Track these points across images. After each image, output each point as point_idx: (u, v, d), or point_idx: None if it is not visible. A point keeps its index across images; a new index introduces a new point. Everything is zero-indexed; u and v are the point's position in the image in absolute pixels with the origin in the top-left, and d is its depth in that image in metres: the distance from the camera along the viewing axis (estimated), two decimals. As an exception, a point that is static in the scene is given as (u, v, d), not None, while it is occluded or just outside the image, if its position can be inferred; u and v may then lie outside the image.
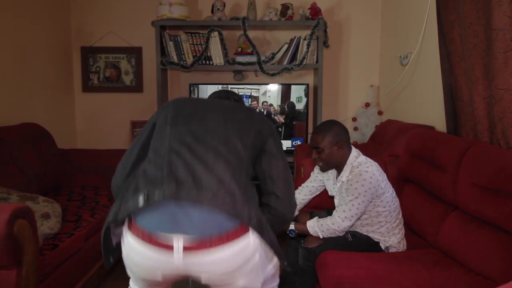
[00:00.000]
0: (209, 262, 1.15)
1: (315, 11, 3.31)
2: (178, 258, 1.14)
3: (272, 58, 3.36)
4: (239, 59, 3.35)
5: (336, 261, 1.74)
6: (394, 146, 2.64)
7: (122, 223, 1.26)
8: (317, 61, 3.34)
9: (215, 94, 1.67)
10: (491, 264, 1.61)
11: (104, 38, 3.67)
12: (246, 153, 1.29)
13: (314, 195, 2.26)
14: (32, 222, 1.69)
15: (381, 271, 1.66)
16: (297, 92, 3.49)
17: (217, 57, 3.33)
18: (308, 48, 3.28)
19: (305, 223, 1.94)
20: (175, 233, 1.14)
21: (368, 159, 1.96)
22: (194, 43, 3.32)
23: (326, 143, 1.92)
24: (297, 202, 2.20)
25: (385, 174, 1.96)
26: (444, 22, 2.19)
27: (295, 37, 3.33)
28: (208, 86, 3.49)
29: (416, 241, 2.08)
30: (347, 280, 1.60)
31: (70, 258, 2.09)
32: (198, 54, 3.31)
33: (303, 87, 3.48)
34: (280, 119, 3.51)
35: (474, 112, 2.00)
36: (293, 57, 3.34)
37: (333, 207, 2.05)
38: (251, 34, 3.38)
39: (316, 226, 1.90)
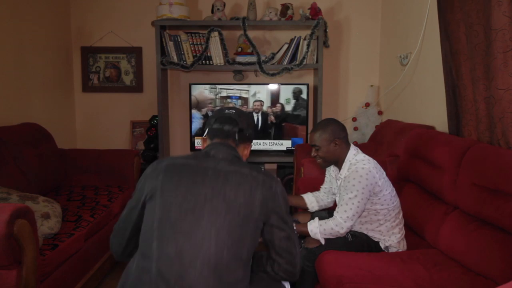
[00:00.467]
0: None
1: (315, 11, 3.31)
2: None
3: (272, 58, 3.36)
4: (239, 59, 3.35)
5: (336, 261, 1.74)
6: (394, 146, 2.65)
7: None
8: (317, 61, 3.34)
9: (216, 126, 1.40)
10: (491, 264, 1.61)
11: (104, 38, 3.67)
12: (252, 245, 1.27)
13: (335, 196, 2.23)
14: (32, 222, 1.69)
15: (381, 271, 1.66)
16: (285, 94, 3.49)
17: (217, 57, 3.33)
18: (308, 48, 3.28)
19: (305, 225, 1.94)
20: None
21: (367, 156, 1.96)
22: (194, 43, 3.32)
23: (323, 141, 1.95)
24: (324, 204, 2.22)
25: (384, 172, 1.96)
26: (450, 20, 2.17)
27: (295, 37, 3.33)
28: (208, 85, 3.50)
29: (416, 241, 2.08)
30: (347, 280, 1.60)
31: (70, 258, 2.09)
32: (198, 54, 3.31)
33: (292, 87, 3.48)
34: (272, 119, 3.52)
35: (477, 111, 2.00)
36: (293, 57, 3.34)
37: (333, 207, 2.05)
38: (251, 34, 3.38)
39: (318, 233, 1.90)
